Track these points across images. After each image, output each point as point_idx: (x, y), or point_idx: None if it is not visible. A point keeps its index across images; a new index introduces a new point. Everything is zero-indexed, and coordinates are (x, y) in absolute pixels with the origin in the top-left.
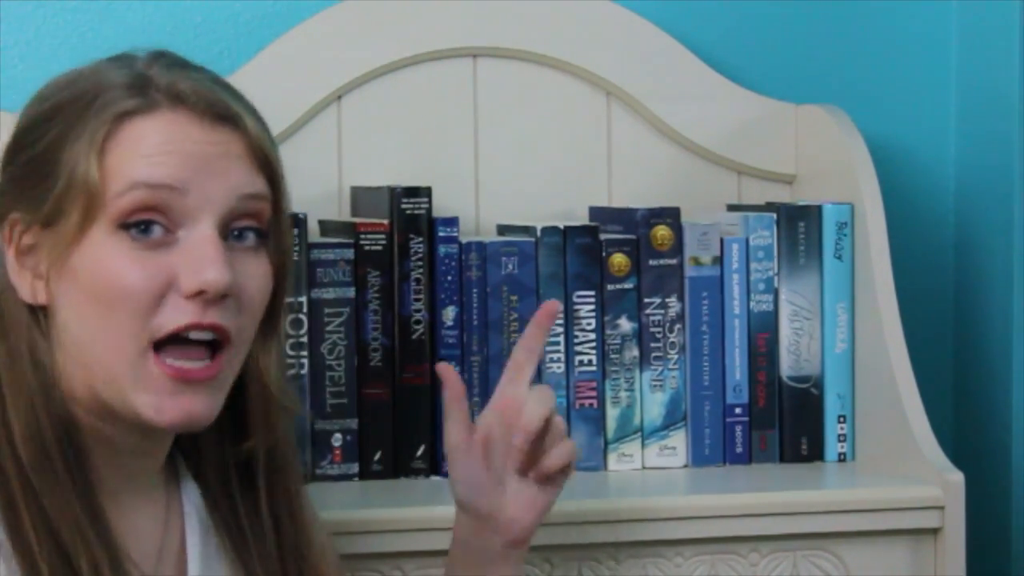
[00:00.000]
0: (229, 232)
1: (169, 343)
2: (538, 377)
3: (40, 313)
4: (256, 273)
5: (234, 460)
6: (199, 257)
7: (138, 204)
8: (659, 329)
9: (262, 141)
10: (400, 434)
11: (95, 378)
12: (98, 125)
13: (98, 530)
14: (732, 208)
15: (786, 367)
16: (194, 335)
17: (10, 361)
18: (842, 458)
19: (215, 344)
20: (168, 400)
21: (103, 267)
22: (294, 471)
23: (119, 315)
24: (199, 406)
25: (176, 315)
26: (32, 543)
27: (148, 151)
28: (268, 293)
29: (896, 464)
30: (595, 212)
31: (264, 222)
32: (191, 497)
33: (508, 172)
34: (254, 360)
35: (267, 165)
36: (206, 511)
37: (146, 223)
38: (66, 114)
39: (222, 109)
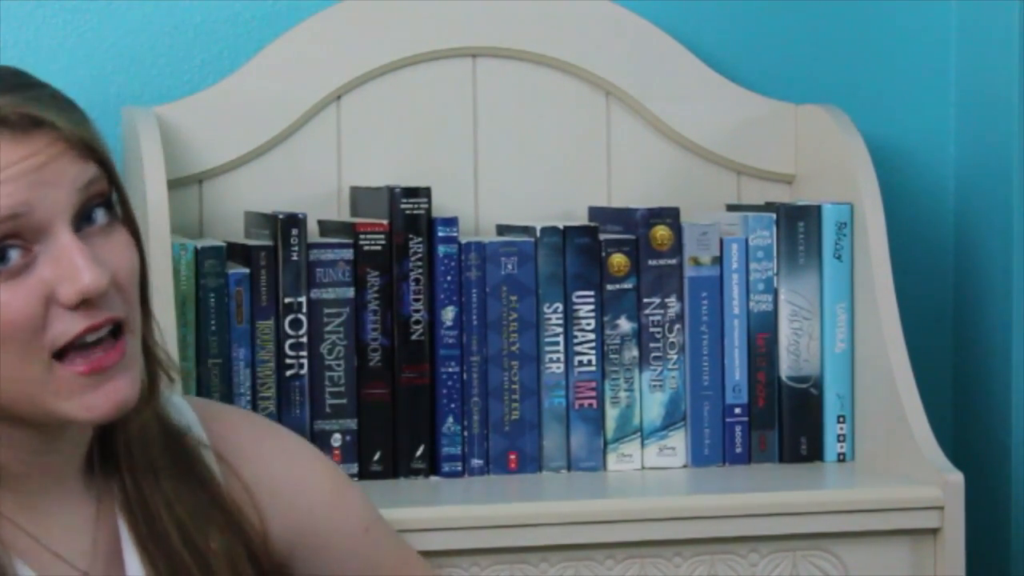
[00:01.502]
0: (82, 217)
1: (69, 349)
2: (537, 377)
3: None
4: (119, 248)
5: (125, 437)
6: (68, 266)
7: None
8: (659, 329)
9: (77, 130)
10: (399, 434)
11: (10, 401)
12: None
13: None
14: (732, 208)
15: (786, 367)
16: (90, 337)
17: None
18: (841, 458)
19: (114, 331)
20: (92, 396)
21: None
22: (152, 454)
23: (11, 348)
24: (123, 389)
25: (67, 325)
26: None
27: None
28: (136, 260)
29: (896, 464)
30: (595, 212)
31: (106, 196)
32: (119, 486)
33: (508, 172)
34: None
35: (90, 149)
36: (128, 498)
37: (1, 251)
38: None
39: (30, 117)
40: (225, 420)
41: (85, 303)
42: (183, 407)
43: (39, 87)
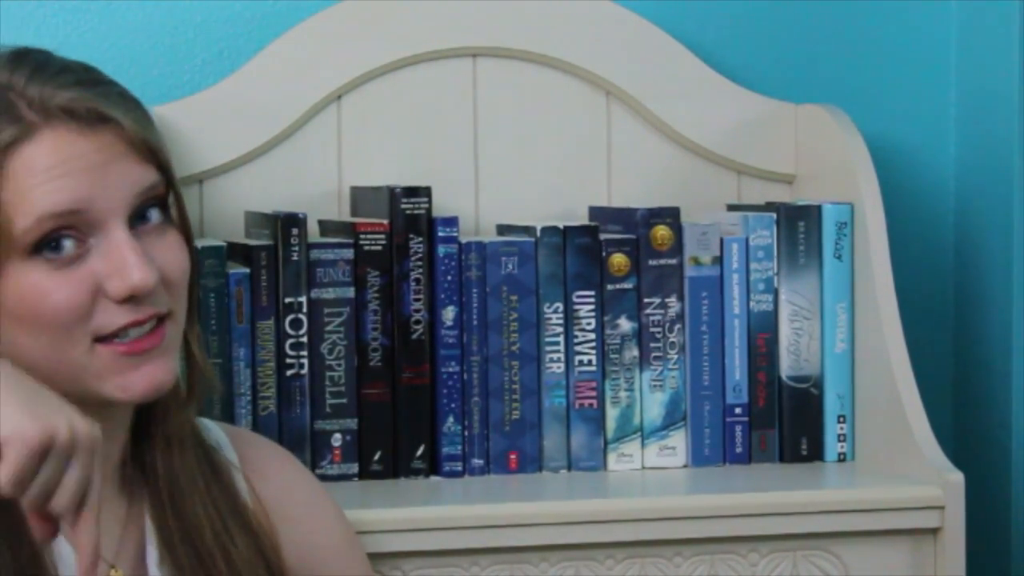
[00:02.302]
0: (135, 219)
1: (111, 336)
2: (538, 377)
3: None
4: (172, 248)
5: (164, 435)
6: (120, 262)
7: (47, 232)
8: (659, 329)
9: (141, 131)
10: (399, 434)
11: (50, 382)
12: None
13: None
14: (732, 208)
15: (786, 367)
16: (133, 332)
17: None
18: (842, 458)
19: (157, 322)
20: (131, 375)
21: (27, 296)
22: (188, 456)
23: (55, 333)
24: (160, 371)
25: (112, 317)
26: None
27: (41, 179)
28: (187, 261)
29: (896, 464)
30: (595, 212)
31: (162, 198)
32: (150, 489)
33: (508, 172)
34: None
35: (152, 152)
36: (158, 501)
37: (56, 240)
38: None
39: (97, 113)
40: (254, 446)
41: (132, 298)
42: (213, 428)
43: (108, 84)
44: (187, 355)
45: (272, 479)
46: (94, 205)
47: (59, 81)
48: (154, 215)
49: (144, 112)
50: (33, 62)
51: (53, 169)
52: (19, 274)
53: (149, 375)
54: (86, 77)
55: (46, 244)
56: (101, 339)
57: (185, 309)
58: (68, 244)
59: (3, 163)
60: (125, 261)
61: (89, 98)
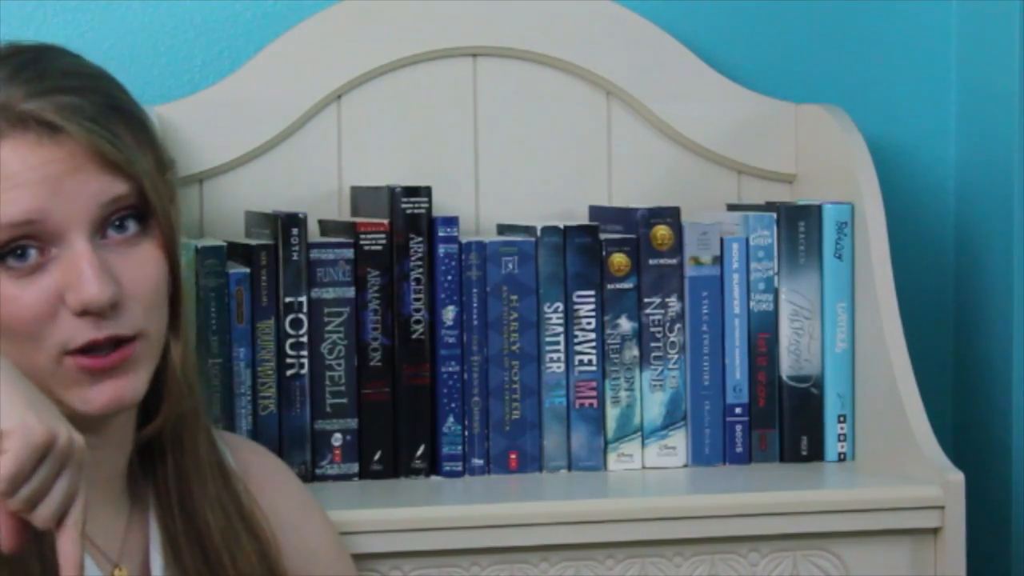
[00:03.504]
0: (109, 224)
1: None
2: (538, 377)
3: None
4: (144, 263)
5: (175, 438)
6: (76, 275)
7: (7, 241)
8: (659, 329)
9: (102, 142)
10: (400, 434)
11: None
12: None
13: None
14: (732, 208)
15: (786, 367)
16: (97, 349)
17: None
18: (842, 458)
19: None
20: (91, 390)
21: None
22: (201, 460)
23: (19, 339)
24: (121, 388)
25: (74, 332)
26: None
27: (2, 188)
28: (162, 276)
29: (896, 464)
30: (595, 212)
31: (140, 206)
32: (155, 493)
33: (508, 172)
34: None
35: (119, 162)
36: (165, 504)
37: (22, 248)
38: None
39: (49, 124)
40: (250, 452)
41: (88, 313)
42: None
43: (84, 91)
44: (166, 368)
45: (268, 485)
46: (51, 216)
47: (30, 88)
48: (130, 226)
49: (120, 120)
50: (16, 64)
51: (12, 178)
52: None
53: (109, 391)
54: (62, 84)
55: (10, 252)
56: (69, 352)
57: (162, 323)
58: (32, 253)
59: None
60: (81, 274)
61: (46, 108)
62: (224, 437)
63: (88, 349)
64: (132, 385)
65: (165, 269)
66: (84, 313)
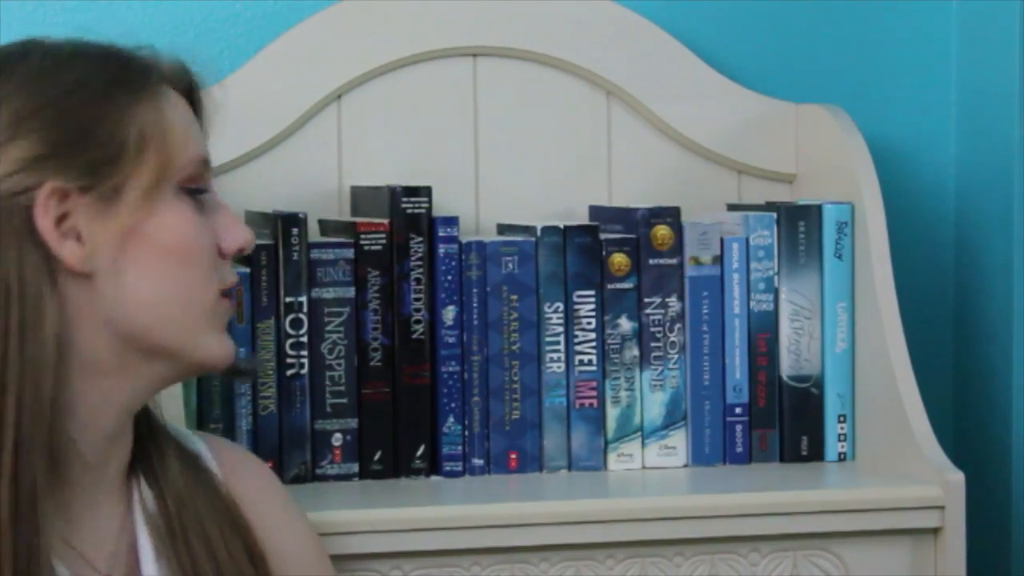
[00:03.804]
0: None
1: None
2: (538, 377)
3: (67, 280)
4: None
5: (157, 447)
6: (231, 220)
7: (198, 173)
8: (659, 329)
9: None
10: (400, 434)
11: (162, 331)
12: (156, 90)
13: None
14: (732, 208)
15: (786, 367)
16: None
17: (20, 334)
18: (842, 458)
19: None
20: (227, 337)
21: (179, 230)
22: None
23: (195, 271)
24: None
25: (226, 273)
26: None
27: (190, 124)
28: None
29: (896, 464)
30: (595, 212)
31: None
32: (144, 496)
33: (508, 172)
34: None
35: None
36: (154, 509)
37: (200, 186)
38: (117, 82)
39: (197, 86)
40: (232, 453)
41: (234, 258)
42: (192, 437)
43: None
44: None
45: (251, 486)
46: (209, 166)
47: (162, 55)
48: None
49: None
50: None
51: (190, 120)
52: (176, 206)
53: (232, 343)
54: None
55: (196, 189)
56: (222, 292)
57: None
58: (205, 191)
59: (163, 98)
60: (236, 220)
61: (190, 69)
62: (206, 439)
63: (228, 294)
64: None
65: None
66: (234, 255)
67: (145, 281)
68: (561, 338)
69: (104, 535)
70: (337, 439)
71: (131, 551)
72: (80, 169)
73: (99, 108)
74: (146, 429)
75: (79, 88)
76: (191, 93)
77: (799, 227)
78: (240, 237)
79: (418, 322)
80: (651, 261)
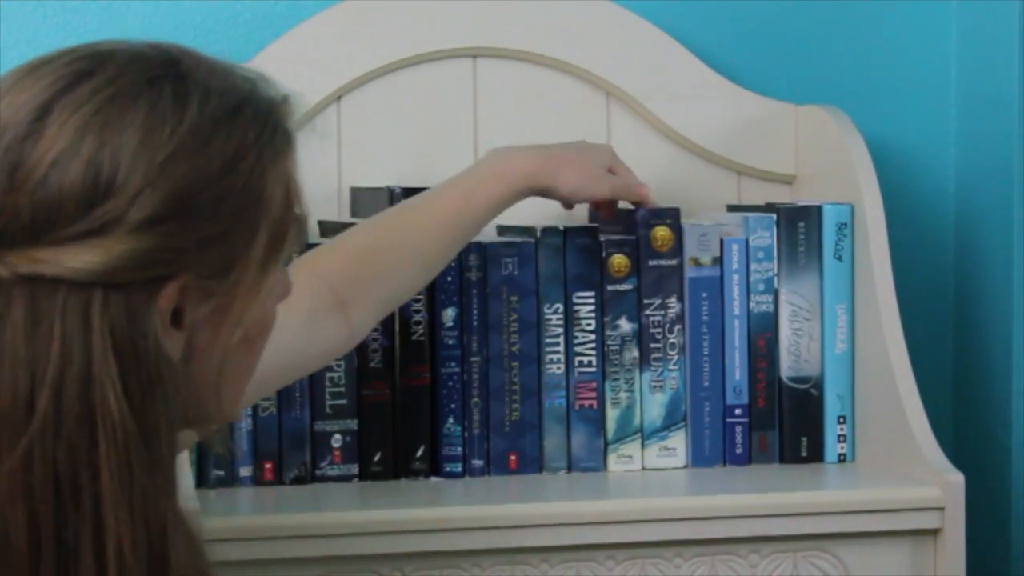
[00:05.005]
0: None
1: None
2: (538, 378)
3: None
4: None
5: None
6: (284, 275)
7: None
8: (659, 330)
9: None
10: (400, 435)
11: (214, 408)
12: (282, 154)
13: None
14: (732, 208)
15: (786, 368)
16: None
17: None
18: (842, 459)
19: None
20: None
21: (270, 306)
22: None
23: (263, 345)
24: None
25: None
26: None
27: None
28: None
29: (896, 465)
30: (595, 213)
31: None
32: None
33: None
34: None
35: None
36: None
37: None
38: (252, 147)
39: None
40: None
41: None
42: None
43: None
44: None
45: None
46: None
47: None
48: None
49: None
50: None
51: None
52: (270, 286)
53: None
54: None
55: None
56: None
57: None
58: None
59: (279, 170)
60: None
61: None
62: None
63: None
64: None
65: None
66: None
67: (220, 360)
68: (561, 339)
69: None
70: (337, 440)
71: None
72: (216, 258)
73: (253, 190)
74: None
75: (238, 161)
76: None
77: (799, 228)
78: (288, 287)
79: (418, 323)
80: (651, 262)
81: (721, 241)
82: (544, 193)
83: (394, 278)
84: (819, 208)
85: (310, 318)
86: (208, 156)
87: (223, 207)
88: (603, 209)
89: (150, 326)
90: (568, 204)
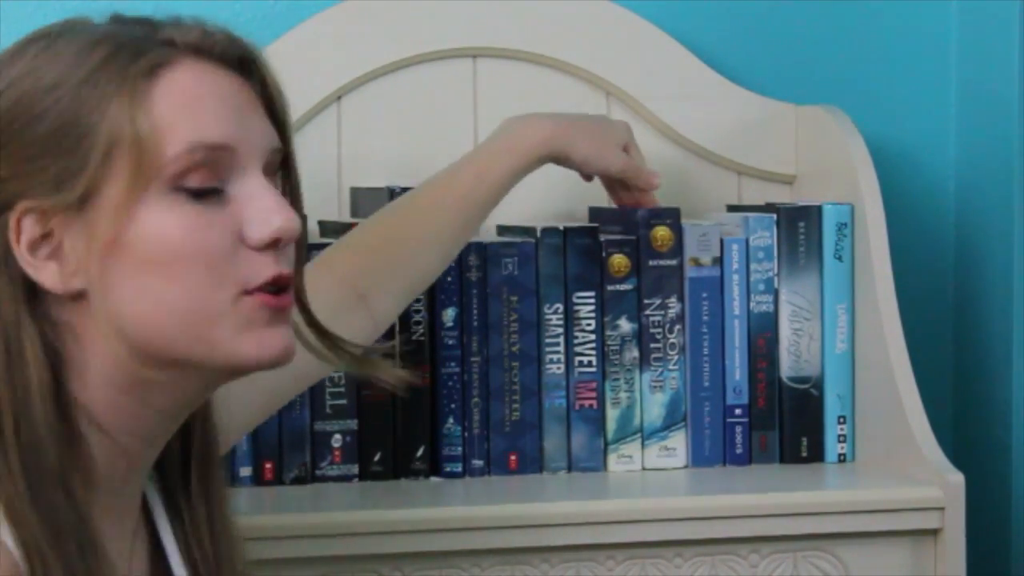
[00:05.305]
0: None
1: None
2: (538, 378)
3: (53, 302)
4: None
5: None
6: (262, 207)
7: (193, 164)
8: (659, 330)
9: (279, 91)
10: (400, 435)
11: (167, 342)
12: (135, 82)
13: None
14: (732, 208)
15: (786, 368)
16: (272, 288)
17: (7, 363)
18: (842, 459)
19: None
20: (269, 333)
21: (169, 232)
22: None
23: (197, 275)
24: (289, 338)
25: (259, 267)
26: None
27: (191, 108)
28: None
29: (896, 465)
30: (595, 213)
31: (274, 169)
32: (156, 497)
33: None
34: None
35: (283, 118)
36: (164, 508)
37: (202, 176)
38: (95, 77)
39: (243, 54)
40: None
41: (272, 248)
42: None
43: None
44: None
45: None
46: (239, 147)
47: (202, 27)
48: (277, 181)
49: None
50: (175, 15)
51: (201, 100)
52: (161, 210)
53: (286, 336)
54: (232, 34)
55: (194, 185)
56: (249, 290)
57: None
58: (209, 183)
59: (145, 88)
60: (268, 207)
61: (237, 41)
62: None
63: (265, 288)
64: (293, 339)
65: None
66: (267, 248)
67: (134, 294)
68: (561, 339)
69: (123, 535)
70: (337, 440)
71: (149, 551)
72: (51, 184)
73: (71, 111)
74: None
75: (54, 89)
76: (244, 67)
77: (799, 228)
78: (271, 224)
79: (418, 323)
80: (651, 262)
81: (721, 241)
82: (558, 160)
83: (411, 265)
84: (819, 208)
85: (334, 317)
86: (21, 92)
87: (38, 135)
88: (621, 195)
89: (9, 257)
90: (587, 176)
